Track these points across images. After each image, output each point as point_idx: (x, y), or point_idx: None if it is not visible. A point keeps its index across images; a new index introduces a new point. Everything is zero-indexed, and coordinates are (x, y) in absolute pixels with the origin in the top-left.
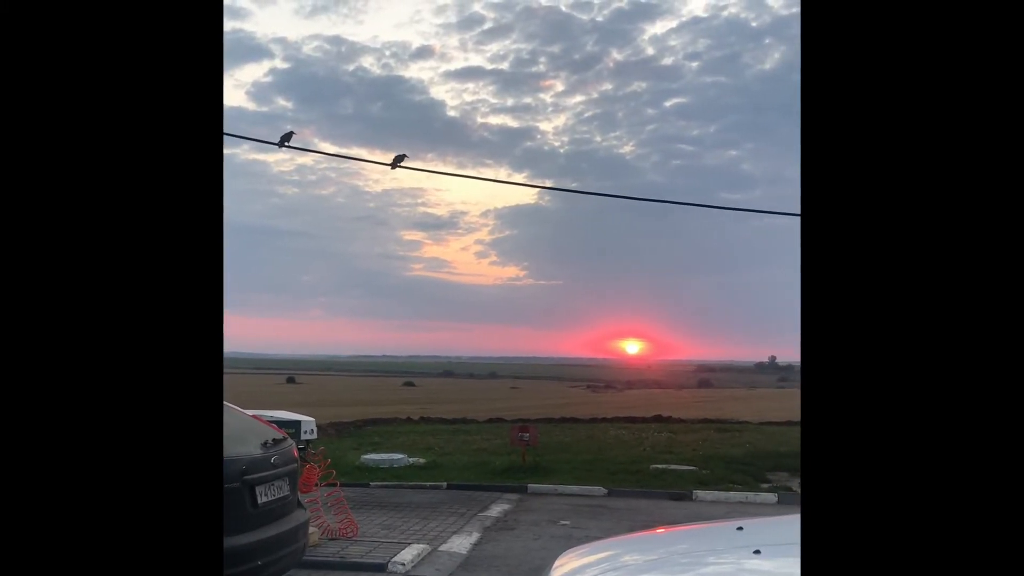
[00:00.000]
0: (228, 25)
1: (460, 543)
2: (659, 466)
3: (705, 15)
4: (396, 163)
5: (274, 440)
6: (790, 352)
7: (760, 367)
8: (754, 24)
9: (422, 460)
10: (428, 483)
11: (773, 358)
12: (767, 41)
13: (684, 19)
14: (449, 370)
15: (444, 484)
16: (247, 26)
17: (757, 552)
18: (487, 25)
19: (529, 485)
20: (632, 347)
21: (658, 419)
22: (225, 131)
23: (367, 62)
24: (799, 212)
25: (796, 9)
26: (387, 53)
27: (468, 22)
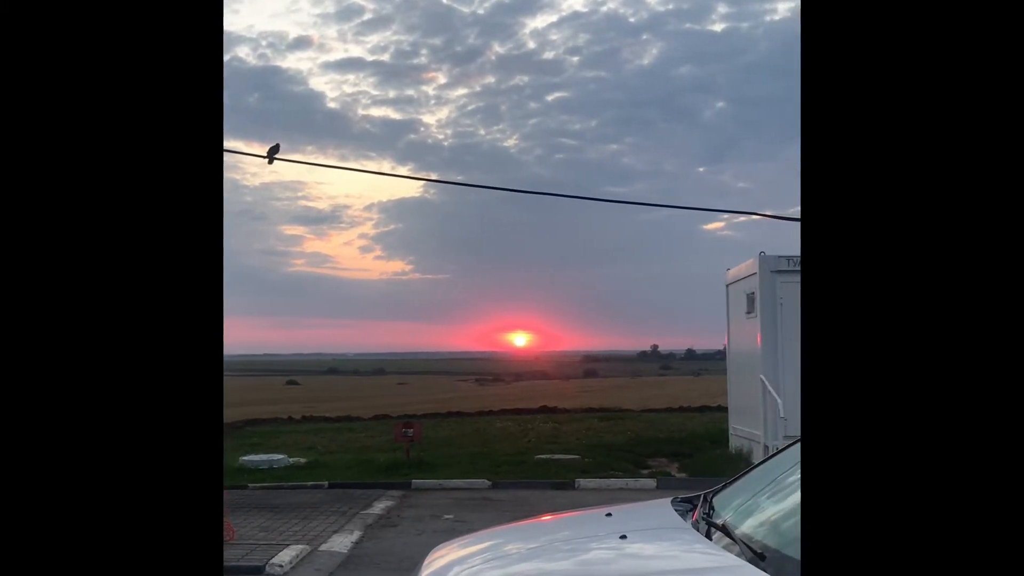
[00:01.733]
0: None
1: (341, 542)
2: (543, 456)
3: (585, 10)
4: (271, 155)
5: None
6: (670, 341)
7: (643, 356)
8: (632, 20)
9: (303, 460)
10: (309, 483)
11: (655, 347)
12: (645, 37)
13: (564, 14)
14: (334, 367)
15: (326, 483)
16: None
17: (623, 537)
18: (366, 16)
19: (413, 481)
20: (520, 339)
21: (544, 410)
22: None
23: (243, 52)
24: (683, 206)
25: (672, 6)
26: (263, 43)
27: (347, 12)
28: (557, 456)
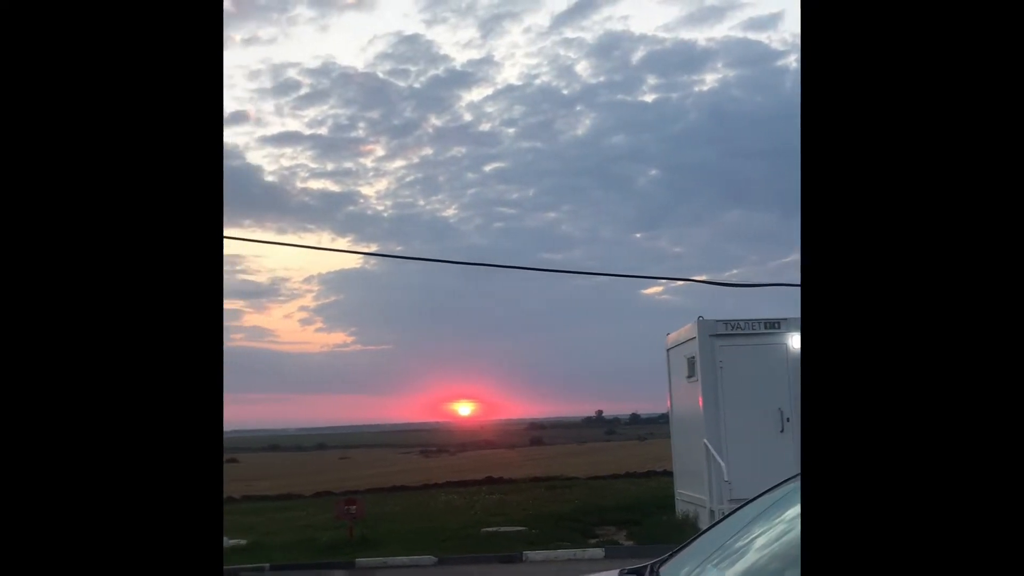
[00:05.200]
0: None
1: None
2: (490, 529)
3: (519, 83)
4: None
5: None
6: (615, 405)
7: (588, 421)
8: (565, 92)
9: (243, 541)
10: (249, 565)
11: (600, 412)
12: (578, 108)
13: (499, 87)
14: (275, 443)
15: (267, 566)
16: None
17: None
18: (303, 91)
19: (357, 560)
20: (464, 409)
21: (489, 480)
22: None
23: None
24: (619, 273)
25: (603, 78)
26: None
27: (283, 87)
28: (504, 528)
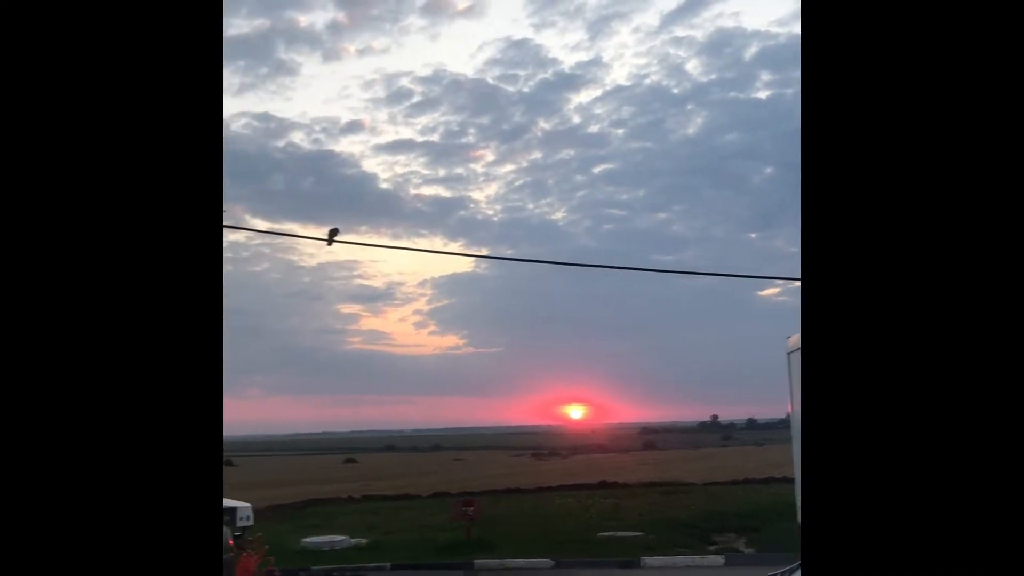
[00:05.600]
0: None
1: None
2: (606, 534)
3: (628, 83)
4: (331, 237)
5: None
6: (730, 410)
7: (703, 426)
8: (676, 91)
9: (364, 540)
10: (371, 564)
11: (715, 417)
12: (689, 107)
13: (608, 88)
14: (391, 444)
15: (388, 565)
16: None
17: None
18: (415, 99)
19: (475, 561)
20: (576, 412)
21: (603, 485)
22: None
23: (297, 138)
24: (732, 273)
25: (715, 76)
26: (317, 128)
27: (396, 96)
28: (620, 533)
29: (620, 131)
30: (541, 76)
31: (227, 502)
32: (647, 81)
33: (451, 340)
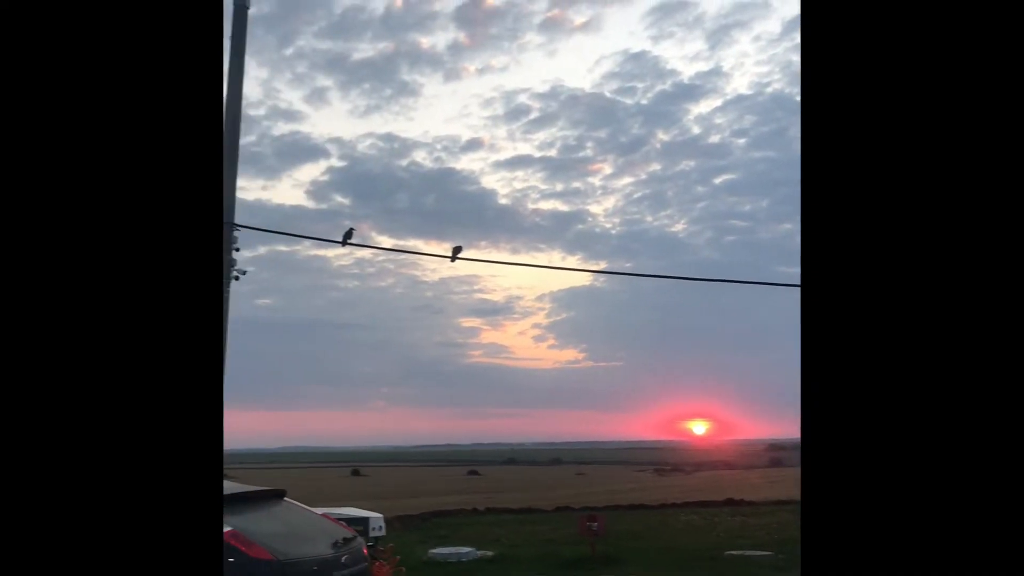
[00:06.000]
0: (285, 128)
1: None
2: (734, 552)
3: (749, 92)
4: (455, 254)
5: (344, 539)
6: None
7: None
8: (799, 99)
9: (491, 553)
10: None
11: None
12: None
13: (728, 97)
14: (512, 457)
15: None
16: (304, 128)
17: None
18: (533, 115)
19: None
20: (698, 427)
21: (730, 502)
22: (286, 230)
23: (419, 156)
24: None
25: None
26: (438, 147)
27: (515, 113)
28: (748, 552)
29: (742, 141)
30: (659, 88)
31: (360, 512)
32: (769, 89)
33: (570, 354)
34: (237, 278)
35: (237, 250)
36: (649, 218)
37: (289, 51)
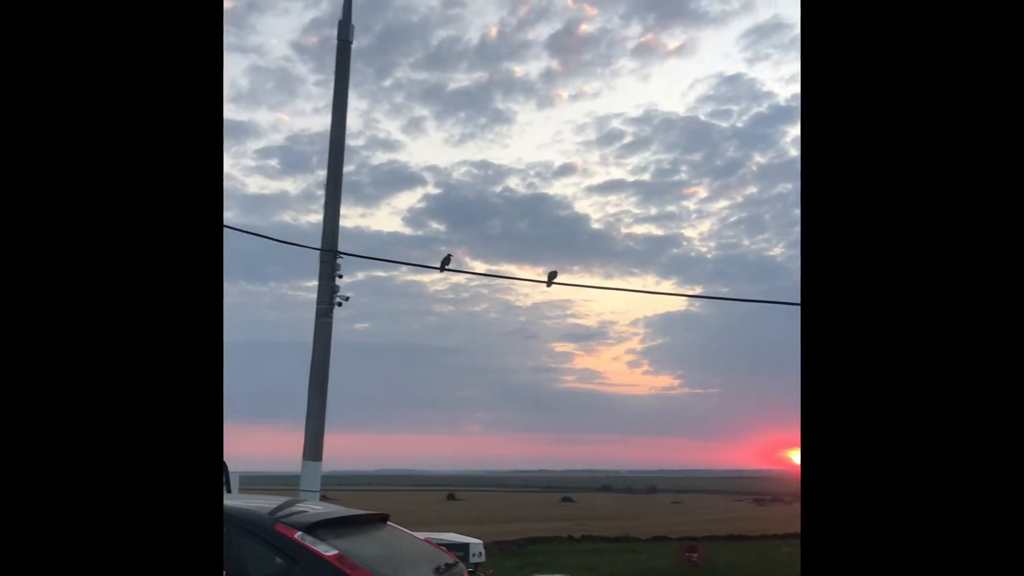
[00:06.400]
0: (384, 157)
1: None
2: None
3: None
4: (550, 280)
5: (446, 565)
6: None
7: None
8: None
9: None
10: None
11: None
12: None
13: None
14: (607, 484)
15: None
16: (401, 157)
17: None
18: (626, 139)
19: None
20: (798, 456)
21: None
22: (383, 256)
23: (513, 183)
24: None
25: None
26: (531, 173)
27: (608, 138)
28: None
29: None
30: (755, 110)
31: (460, 538)
32: None
33: (665, 380)
34: (340, 304)
35: (340, 276)
36: (746, 242)
37: (387, 83)
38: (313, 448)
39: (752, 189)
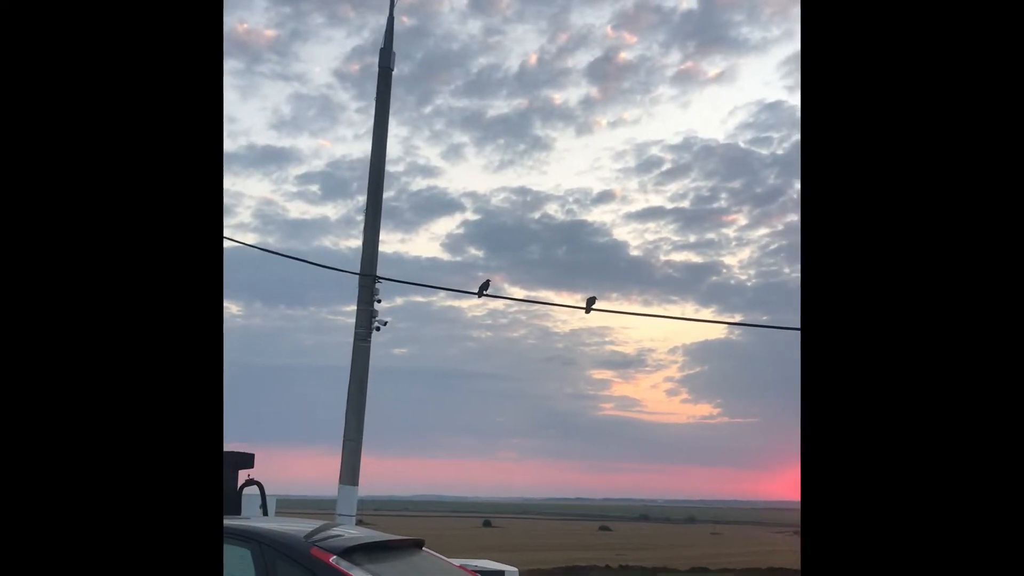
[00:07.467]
0: (423, 183)
1: None
2: None
3: None
4: (589, 306)
5: None
6: None
7: None
8: None
9: None
10: None
11: None
12: None
13: None
14: (644, 514)
15: None
16: (440, 183)
17: None
18: (666, 167)
19: None
20: None
21: None
22: (421, 282)
23: (551, 209)
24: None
25: None
26: (570, 199)
27: (647, 165)
28: None
29: None
30: (795, 137)
31: (496, 565)
32: None
33: (704, 409)
34: (378, 328)
35: (378, 301)
36: (787, 270)
37: (428, 109)
38: (350, 472)
39: (792, 217)
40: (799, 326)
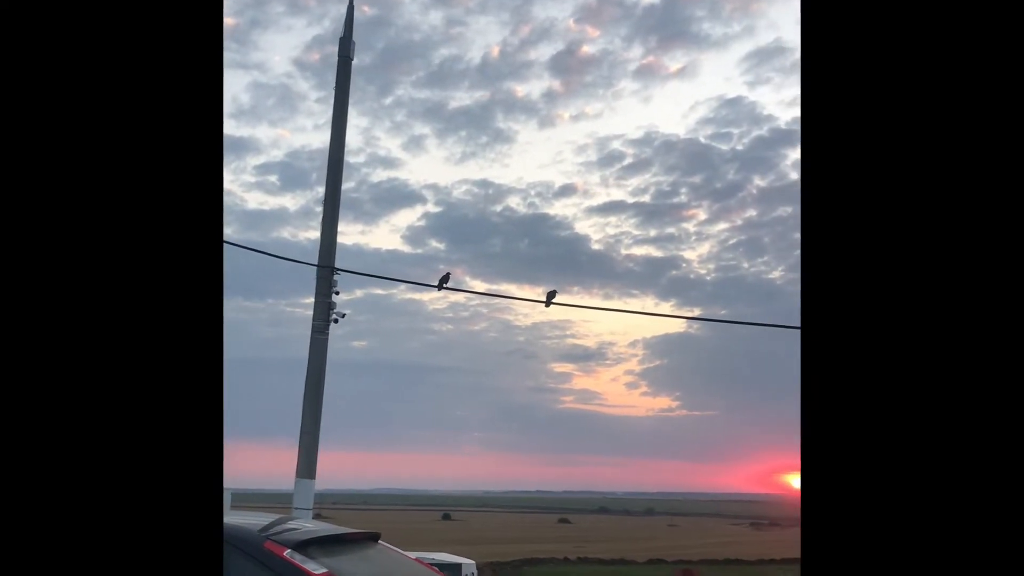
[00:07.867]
0: (384, 174)
1: None
2: None
3: None
4: (550, 300)
5: None
6: None
7: None
8: None
9: None
10: None
11: None
12: None
13: None
14: (604, 506)
15: None
16: (401, 174)
17: None
18: (627, 161)
19: None
20: (797, 481)
21: None
22: (381, 274)
23: (513, 202)
24: None
25: None
26: (532, 193)
27: (608, 159)
28: None
29: None
30: (756, 133)
31: (452, 558)
32: None
33: (663, 402)
34: (336, 320)
35: (337, 293)
36: (745, 264)
37: (388, 100)
38: (307, 465)
39: (752, 212)
40: (782, 324)
